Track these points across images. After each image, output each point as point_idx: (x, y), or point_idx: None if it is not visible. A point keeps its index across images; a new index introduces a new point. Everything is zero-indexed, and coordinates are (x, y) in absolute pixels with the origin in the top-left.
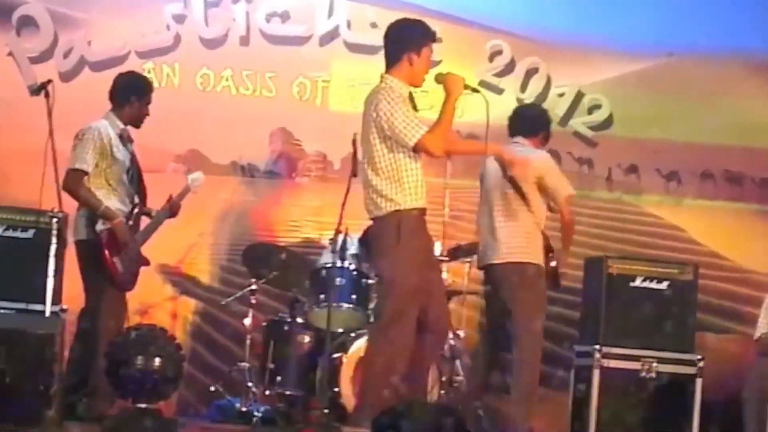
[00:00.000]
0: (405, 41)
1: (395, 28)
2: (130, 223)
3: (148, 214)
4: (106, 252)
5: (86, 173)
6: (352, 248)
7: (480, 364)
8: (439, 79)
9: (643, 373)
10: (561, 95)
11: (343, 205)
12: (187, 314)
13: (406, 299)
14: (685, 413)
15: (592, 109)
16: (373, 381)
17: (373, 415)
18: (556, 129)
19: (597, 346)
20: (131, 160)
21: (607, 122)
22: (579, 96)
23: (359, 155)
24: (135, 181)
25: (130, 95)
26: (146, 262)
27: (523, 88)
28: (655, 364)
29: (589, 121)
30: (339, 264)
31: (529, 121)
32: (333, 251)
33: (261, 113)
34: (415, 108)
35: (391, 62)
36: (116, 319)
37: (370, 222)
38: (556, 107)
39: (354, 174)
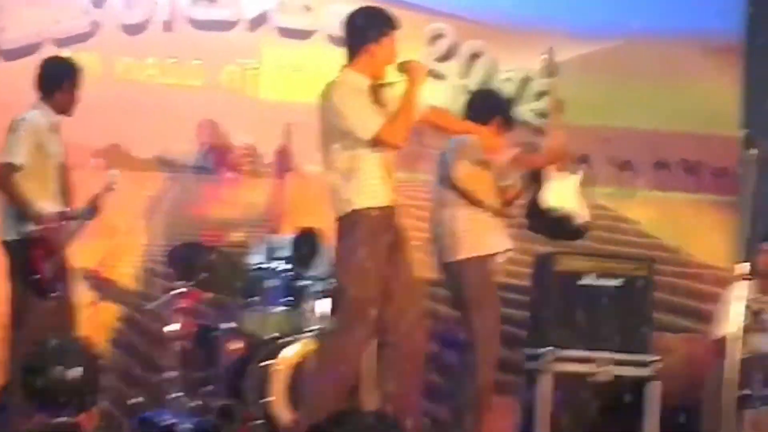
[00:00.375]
0: (363, 31)
1: (352, 18)
2: (62, 224)
3: (74, 217)
4: (35, 255)
5: (17, 168)
6: (286, 248)
7: None
8: (402, 67)
9: (597, 377)
10: (507, 81)
11: (275, 201)
12: (108, 321)
13: (358, 308)
14: (642, 417)
15: (540, 95)
16: (315, 393)
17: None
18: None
19: (547, 349)
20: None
21: None
22: (526, 81)
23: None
24: (63, 178)
25: (62, 81)
26: (69, 265)
27: (466, 73)
28: (610, 367)
29: (537, 107)
30: (271, 265)
31: (478, 108)
32: (265, 251)
33: (187, 104)
34: (379, 102)
35: (351, 54)
36: (42, 327)
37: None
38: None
39: (287, 168)
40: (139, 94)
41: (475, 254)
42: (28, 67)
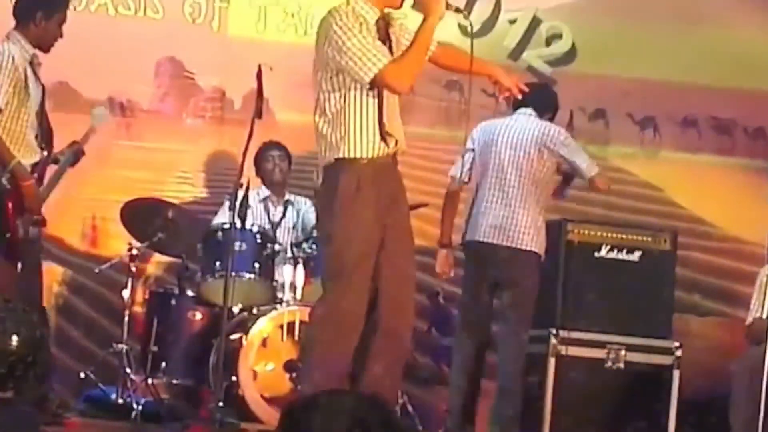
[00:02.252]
0: None
1: None
2: (35, 175)
3: (56, 161)
4: (9, 209)
5: None
6: (261, 206)
7: None
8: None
9: (609, 363)
10: (512, 22)
11: (245, 152)
12: (51, 284)
13: (351, 266)
14: (659, 411)
15: (551, 39)
16: (314, 369)
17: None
18: (505, 64)
19: (553, 330)
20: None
21: (569, 56)
22: (534, 23)
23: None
24: (43, 121)
25: (37, 11)
26: (44, 223)
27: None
28: (623, 352)
29: (547, 54)
30: (239, 225)
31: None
32: (231, 209)
33: (145, 39)
34: (386, 38)
35: None
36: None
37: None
38: (506, 37)
39: (258, 115)
40: (90, 27)
41: (541, 252)
42: None
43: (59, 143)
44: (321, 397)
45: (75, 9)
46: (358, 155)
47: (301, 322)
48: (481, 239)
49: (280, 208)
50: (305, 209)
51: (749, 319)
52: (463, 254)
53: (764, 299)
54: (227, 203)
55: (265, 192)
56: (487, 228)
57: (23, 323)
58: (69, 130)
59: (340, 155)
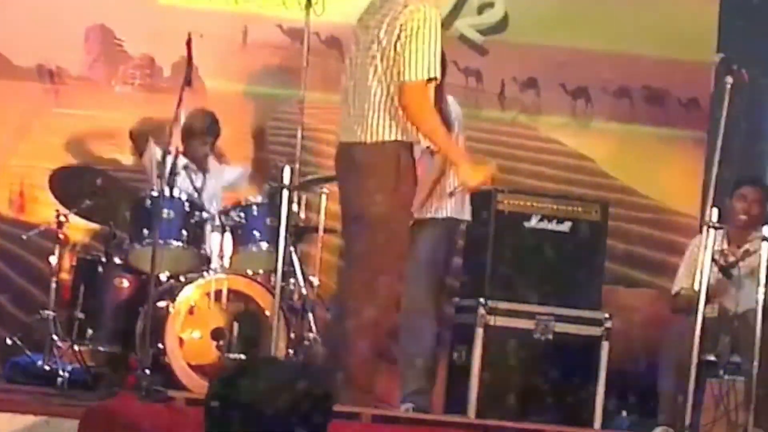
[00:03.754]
0: None
1: None
2: None
3: None
4: None
5: None
6: (184, 173)
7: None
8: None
9: (538, 334)
10: None
11: (175, 119)
12: None
13: (399, 244)
14: (588, 382)
15: (483, 7)
16: (356, 352)
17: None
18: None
19: (481, 300)
20: None
21: (501, 24)
22: None
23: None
24: None
25: None
26: None
27: None
28: (552, 323)
29: (479, 23)
30: (167, 192)
31: None
32: (160, 177)
33: (74, 6)
34: None
35: None
36: None
37: None
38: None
39: (188, 82)
40: None
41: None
42: None
43: None
44: (251, 364)
45: None
46: (405, 139)
47: (229, 291)
48: None
49: (201, 175)
50: (230, 178)
51: (675, 289)
52: None
53: (694, 270)
54: (156, 171)
55: (183, 160)
56: None
57: None
58: None
59: (393, 138)
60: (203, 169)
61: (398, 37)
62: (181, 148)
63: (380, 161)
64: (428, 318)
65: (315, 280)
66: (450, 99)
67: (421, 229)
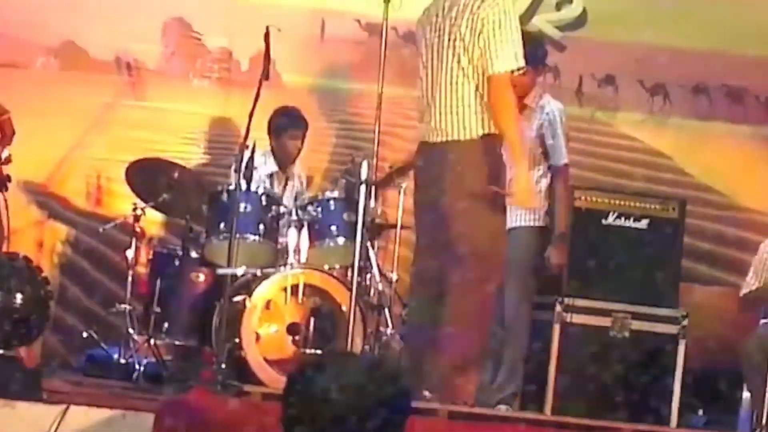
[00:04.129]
0: None
1: None
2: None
3: None
4: None
5: None
6: (262, 167)
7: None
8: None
9: (614, 332)
10: None
11: (251, 114)
12: (55, 243)
13: (500, 248)
14: (664, 381)
15: (561, 3)
16: (459, 368)
17: None
18: None
19: (558, 297)
20: None
21: (580, 20)
22: None
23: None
24: None
25: None
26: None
27: None
28: (629, 321)
29: (557, 18)
30: (244, 186)
31: None
32: (237, 170)
33: None
34: None
35: None
36: None
37: None
38: (516, 1)
39: (266, 76)
40: None
41: None
42: None
43: (62, 101)
44: (328, 359)
45: None
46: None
47: (305, 285)
48: None
49: (283, 184)
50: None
51: (743, 291)
52: None
53: (763, 274)
54: (234, 164)
55: (271, 167)
56: None
57: (28, 281)
58: (75, 90)
59: (489, 131)
60: (285, 177)
61: (480, 30)
62: (267, 147)
63: (477, 157)
64: (523, 321)
65: (393, 276)
66: (547, 97)
67: (519, 235)
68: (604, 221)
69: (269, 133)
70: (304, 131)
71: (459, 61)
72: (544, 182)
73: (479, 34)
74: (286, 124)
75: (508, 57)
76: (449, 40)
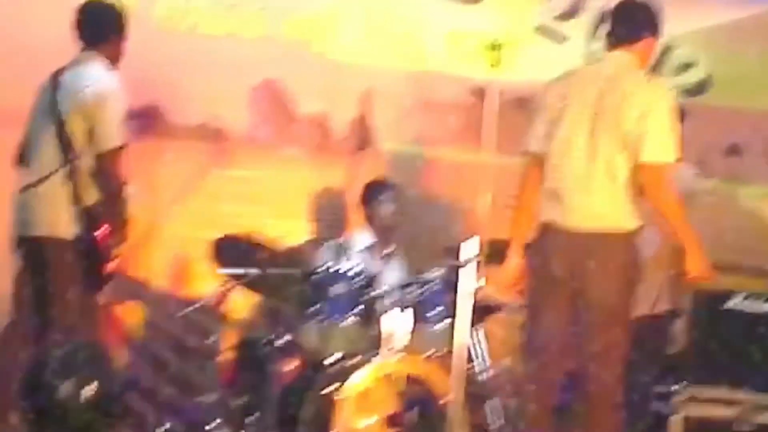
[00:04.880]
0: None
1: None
2: None
3: None
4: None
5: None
6: (360, 245)
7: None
8: None
9: (739, 424)
10: None
11: (349, 186)
12: (132, 327)
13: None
14: None
15: (684, 67)
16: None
17: None
18: None
19: (678, 387)
20: None
21: (703, 86)
22: (667, 49)
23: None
24: None
25: (109, 31)
26: None
27: (593, 35)
28: (754, 413)
29: (680, 83)
30: (340, 266)
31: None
32: (333, 249)
33: (240, 62)
34: None
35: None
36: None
37: None
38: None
39: (362, 145)
40: (181, 46)
41: None
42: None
43: (147, 170)
44: None
45: (166, 26)
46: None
47: (405, 374)
48: None
49: (381, 262)
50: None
51: None
52: None
53: None
54: (329, 242)
55: (368, 239)
56: None
57: (102, 369)
58: (158, 157)
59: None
60: (385, 253)
61: (640, 114)
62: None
63: (629, 254)
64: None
65: (502, 363)
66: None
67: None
68: (727, 303)
69: (363, 203)
70: (397, 198)
71: (617, 147)
72: None
73: (638, 118)
74: (380, 190)
75: (669, 146)
76: (608, 123)
